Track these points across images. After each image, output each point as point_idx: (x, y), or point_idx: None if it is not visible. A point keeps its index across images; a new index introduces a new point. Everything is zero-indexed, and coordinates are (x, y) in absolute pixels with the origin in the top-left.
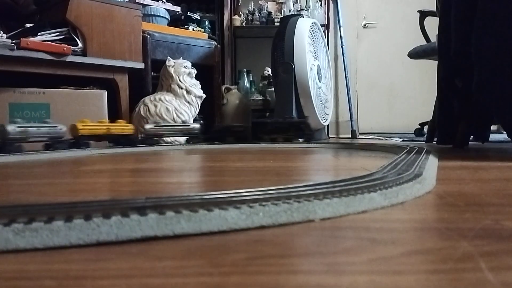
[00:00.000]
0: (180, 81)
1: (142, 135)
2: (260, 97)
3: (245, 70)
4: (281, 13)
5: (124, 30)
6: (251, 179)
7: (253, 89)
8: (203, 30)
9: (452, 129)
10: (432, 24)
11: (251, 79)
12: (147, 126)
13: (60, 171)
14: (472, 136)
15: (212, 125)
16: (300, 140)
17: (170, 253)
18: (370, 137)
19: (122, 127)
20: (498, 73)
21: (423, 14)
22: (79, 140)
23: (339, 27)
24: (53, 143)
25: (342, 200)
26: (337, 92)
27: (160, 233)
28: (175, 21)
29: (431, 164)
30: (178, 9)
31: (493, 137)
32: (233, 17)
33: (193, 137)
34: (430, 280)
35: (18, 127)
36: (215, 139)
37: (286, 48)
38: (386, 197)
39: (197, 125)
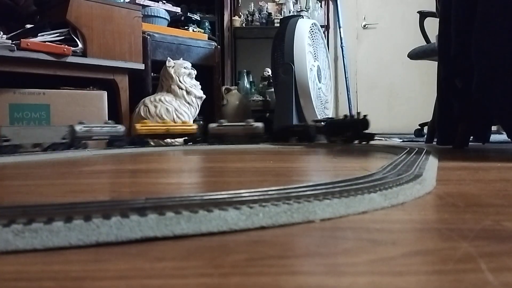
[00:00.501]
0: (180, 81)
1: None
2: (260, 98)
3: (245, 70)
4: (281, 14)
5: (124, 31)
6: (251, 179)
7: (253, 90)
8: (203, 31)
9: (452, 129)
10: (432, 25)
11: (251, 79)
12: (212, 125)
13: (60, 172)
14: (472, 137)
15: (271, 125)
16: (360, 142)
17: (170, 254)
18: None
19: (184, 127)
20: (498, 73)
21: (423, 15)
22: (137, 139)
23: (339, 28)
24: (115, 141)
25: (342, 201)
26: (337, 93)
27: (160, 234)
28: (175, 22)
29: (431, 164)
30: (178, 10)
31: (493, 137)
32: (233, 18)
33: (255, 137)
34: (431, 281)
35: (84, 127)
36: (278, 139)
37: (286, 49)
38: (386, 197)
39: (260, 125)
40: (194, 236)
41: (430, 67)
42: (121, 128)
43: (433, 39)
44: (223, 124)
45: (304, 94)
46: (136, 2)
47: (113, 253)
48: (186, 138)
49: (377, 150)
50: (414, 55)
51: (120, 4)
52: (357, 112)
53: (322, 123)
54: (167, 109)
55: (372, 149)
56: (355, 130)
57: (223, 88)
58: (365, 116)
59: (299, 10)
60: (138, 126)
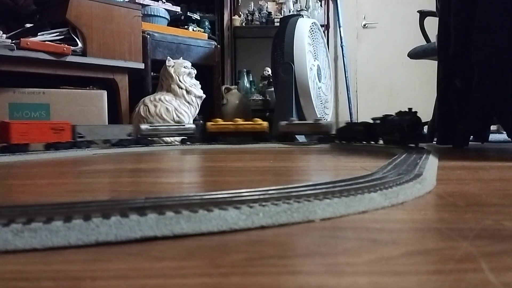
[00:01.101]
0: (180, 81)
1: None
2: (260, 97)
3: (245, 70)
4: (281, 13)
5: (124, 30)
6: (251, 179)
7: (253, 89)
8: (203, 30)
9: (452, 129)
10: (432, 24)
11: (251, 79)
12: (282, 123)
13: (59, 171)
14: (472, 136)
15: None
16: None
17: (169, 253)
18: None
19: (253, 124)
20: (498, 73)
21: (423, 14)
22: (207, 137)
23: (339, 27)
24: (188, 138)
25: (342, 200)
26: (337, 92)
27: (159, 234)
28: (175, 21)
29: (431, 164)
30: (178, 9)
31: (493, 137)
32: (233, 17)
33: (325, 137)
34: (431, 281)
35: (150, 126)
36: (343, 139)
37: (286, 48)
38: (387, 197)
39: (329, 123)
40: (194, 236)
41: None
42: (190, 126)
43: (433, 38)
44: (294, 123)
45: (304, 94)
46: (136, 1)
47: (113, 253)
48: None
49: (377, 149)
50: (414, 54)
51: (120, 4)
52: (408, 108)
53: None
54: (167, 108)
55: (372, 148)
56: (410, 130)
57: (223, 87)
58: (415, 112)
59: (299, 9)
60: (209, 124)
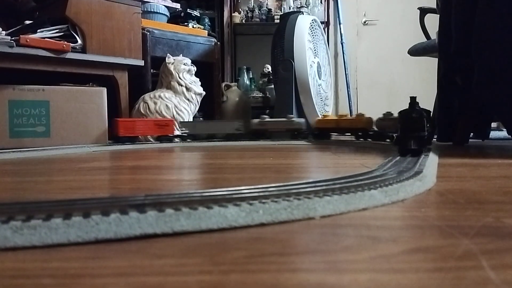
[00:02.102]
0: (180, 78)
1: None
2: (260, 94)
3: (245, 67)
4: (281, 10)
5: (123, 27)
6: (251, 176)
7: (253, 86)
8: (202, 27)
9: (452, 126)
10: (432, 21)
11: (251, 76)
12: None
13: (59, 169)
14: (472, 134)
15: None
16: None
17: (169, 251)
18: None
19: (352, 120)
20: (499, 70)
21: (423, 11)
22: (317, 132)
23: (339, 24)
24: (297, 133)
25: (343, 198)
26: (337, 89)
27: (159, 231)
28: (175, 18)
29: (431, 161)
30: (177, 6)
31: (493, 134)
32: (233, 14)
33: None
34: (432, 278)
35: (260, 121)
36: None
37: (286, 45)
38: (387, 194)
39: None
40: (193, 233)
41: (430, 64)
42: (300, 121)
43: (433, 35)
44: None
45: (304, 91)
46: None
47: (112, 250)
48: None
49: (377, 147)
50: (414, 51)
51: (119, 0)
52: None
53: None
54: (166, 105)
55: (372, 145)
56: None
57: (223, 84)
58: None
59: (299, 6)
60: (317, 119)
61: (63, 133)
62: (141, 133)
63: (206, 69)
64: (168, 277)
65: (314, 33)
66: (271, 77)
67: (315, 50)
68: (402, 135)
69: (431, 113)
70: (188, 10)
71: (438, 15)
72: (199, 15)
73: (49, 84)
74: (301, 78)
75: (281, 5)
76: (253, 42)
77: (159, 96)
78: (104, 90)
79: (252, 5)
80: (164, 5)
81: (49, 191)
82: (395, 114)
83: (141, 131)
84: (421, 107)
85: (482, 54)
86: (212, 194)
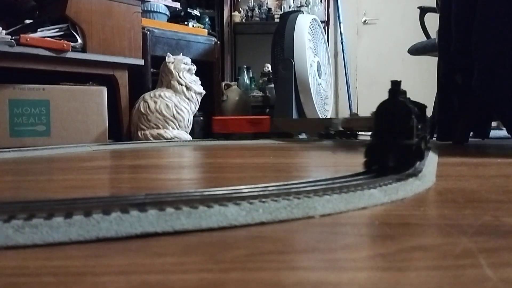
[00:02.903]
0: (180, 77)
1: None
2: (260, 94)
3: (245, 66)
4: (281, 9)
5: (123, 26)
6: (251, 175)
7: (253, 86)
8: (202, 26)
9: (452, 125)
10: (432, 21)
11: (251, 75)
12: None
13: (60, 168)
14: (472, 133)
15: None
16: None
17: (170, 249)
18: (370, 133)
19: None
20: (498, 69)
21: (423, 11)
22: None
23: (339, 23)
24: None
25: (342, 197)
26: (337, 89)
27: (160, 230)
28: (175, 17)
29: (431, 160)
30: (177, 5)
31: (493, 133)
32: (233, 13)
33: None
34: (430, 276)
35: (345, 119)
36: None
37: (286, 45)
38: (386, 193)
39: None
40: (194, 232)
41: (430, 63)
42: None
43: (433, 34)
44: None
45: (304, 90)
46: None
47: (113, 249)
48: None
49: None
50: (414, 50)
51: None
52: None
53: None
54: (166, 104)
55: None
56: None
57: (223, 83)
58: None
59: (299, 5)
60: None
61: (63, 132)
62: (234, 131)
63: (206, 68)
64: (169, 275)
65: (314, 32)
66: (271, 76)
67: (315, 49)
68: (375, 144)
69: (426, 108)
70: (188, 9)
71: (438, 14)
72: (199, 14)
73: (49, 83)
74: (301, 77)
75: (281, 4)
76: (253, 41)
77: (159, 95)
78: (104, 89)
79: (252, 4)
80: (164, 4)
81: (50, 190)
82: None
83: (235, 128)
84: (410, 98)
85: (482, 53)
86: (212, 193)
